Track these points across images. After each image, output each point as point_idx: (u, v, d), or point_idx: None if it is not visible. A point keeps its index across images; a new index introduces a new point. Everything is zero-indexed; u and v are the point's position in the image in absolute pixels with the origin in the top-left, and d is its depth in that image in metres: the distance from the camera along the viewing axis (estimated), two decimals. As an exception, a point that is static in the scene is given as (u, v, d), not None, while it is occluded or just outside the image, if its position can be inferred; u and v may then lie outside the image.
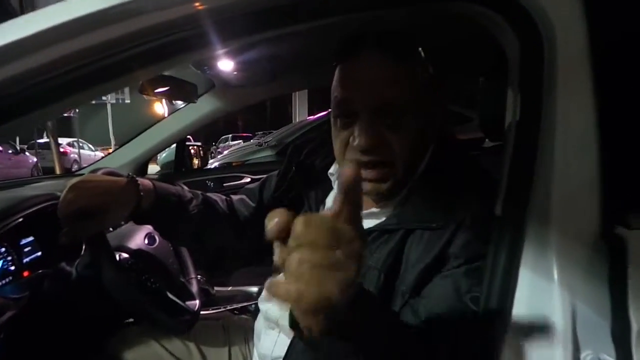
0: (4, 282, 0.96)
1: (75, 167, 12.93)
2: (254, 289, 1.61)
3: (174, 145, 2.08)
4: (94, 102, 17.44)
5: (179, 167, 2.18)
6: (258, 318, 0.94)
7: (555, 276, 0.58)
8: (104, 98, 16.96)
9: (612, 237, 0.57)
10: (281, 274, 0.39)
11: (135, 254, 1.10)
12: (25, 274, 1.01)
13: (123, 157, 1.87)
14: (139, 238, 1.15)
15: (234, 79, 1.71)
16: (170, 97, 1.76)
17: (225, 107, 1.88)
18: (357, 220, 0.40)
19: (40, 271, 1.03)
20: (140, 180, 0.85)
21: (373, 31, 0.72)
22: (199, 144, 2.66)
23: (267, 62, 1.57)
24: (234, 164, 4.74)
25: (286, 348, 0.77)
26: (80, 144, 15.36)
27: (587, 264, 0.57)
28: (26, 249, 1.05)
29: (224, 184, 2.18)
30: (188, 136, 2.24)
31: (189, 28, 0.58)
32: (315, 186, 0.91)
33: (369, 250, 0.72)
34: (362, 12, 0.67)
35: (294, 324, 0.40)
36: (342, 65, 0.75)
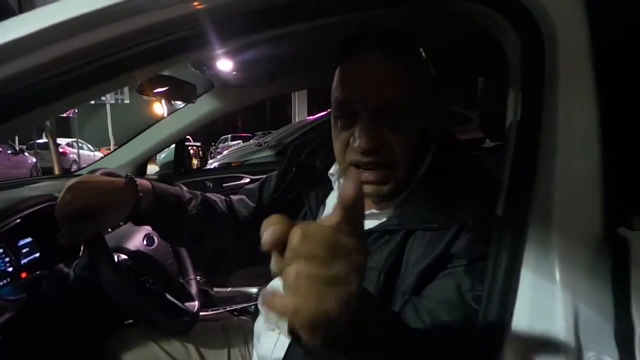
0: (1, 283, 0.96)
1: (74, 167, 12.91)
2: (254, 289, 1.61)
3: (173, 145, 2.07)
4: (93, 102, 17.44)
5: (178, 168, 2.18)
6: (258, 319, 0.94)
7: (557, 277, 0.57)
8: (103, 98, 16.94)
9: (615, 238, 0.56)
10: (279, 281, 0.36)
11: (134, 255, 1.09)
12: (23, 275, 1.00)
13: (122, 158, 1.87)
14: (137, 239, 1.15)
15: (233, 79, 1.71)
16: (169, 97, 1.76)
17: (225, 107, 1.88)
18: (358, 231, 0.37)
19: (38, 272, 1.02)
20: (138, 180, 0.85)
21: (373, 31, 0.72)
22: (198, 144, 2.66)
23: (266, 62, 1.57)
24: (233, 164, 4.73)
25: (286, 349, 0.76)
26: (80, 145, 15.36)
27: (590, 265, 0.57)
28: (24, 250, 1.05)
29: (224, 185, 2.18)
30: (187, 136, 2.24)
31: (188, 27, 0.58)
32: (316, 187, 0.90)
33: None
34: (362, 12, 0.67)
35: (292, 331, 0.38)
36: (342, 65, 0.74)
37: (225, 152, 8.36)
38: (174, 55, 0.62)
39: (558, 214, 0.59)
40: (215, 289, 1.57)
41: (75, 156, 14.52)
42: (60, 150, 12.26)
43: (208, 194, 1.01)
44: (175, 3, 0.56)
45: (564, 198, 0.59)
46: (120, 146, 1.97)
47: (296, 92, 11.64)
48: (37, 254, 1.08)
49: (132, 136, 1.92)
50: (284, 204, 0.97)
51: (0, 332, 0.87)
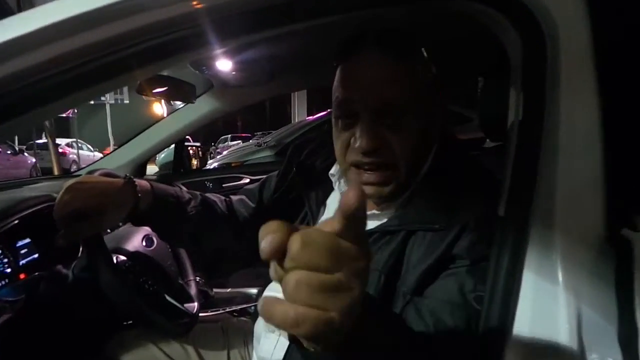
0: (-1, 284, 0.95)
1: (74, 167, 12.91)
2: (254, 290, 1.61)
3: (173, 145, 2.07)
4: (92, 102, 17.40)
5: (177, 168, 2.18)
6: (258, 320, 0.93)
7: (560, 278, 0.56)
8: (102, 98, 16.92)
9: (618, 239, 0.56)
10: (278, 286, 0.35)
11: (133, 256, 1.09)
12: (22, 276, 1.00)
13: (121, 158, 1.87)
14: (136, 240, 1.14)
15: (232, 79, 1.70)
16: (168, 97, 1.75)
17: (224, 107, 1.88)
18: (360, 236, 0.36)
19: (36, 273, 1.01)
20: (137, 181, 0.85)
21: (373, 30, 0.71)
22: (197, 144, 2.65)
23: (265, 62, 1.57)
24: (233, 165, 4.73)
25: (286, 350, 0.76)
26: (79, 145, 15.35)
27: (592, 266, 0.56)
28: (22, 251, 1.04)
29: (223, 185, 2.18)
30: (187, 137, 2.23)
31: (187, 27, 0.58)
32: (316, 187, 0.90)
33: None
34: (361, 11, 0.66)
35: (292, 337, 0.36)
36: (342, 65, 0.74)
37: (224, 153, 8.36)
38: (173, 54, 0.62)
39: (560, 214, 0.59)
40: (214, 290, 1.57)
41: (74, 156, 14.52)
42: (60, 150, 12.26)
43: (208, 195, 1.01)
44: (174, 2, 0.55)
45: (566, 198, 0.59)
46: (119, 146, 1.96)
47: (296, 92, 11.64)
48: (36, 255, 1.07)
49: (131, 136, 1.92)
50: (284, 204, 0.96)
51: (-2, 334, 0.87)
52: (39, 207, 1.08)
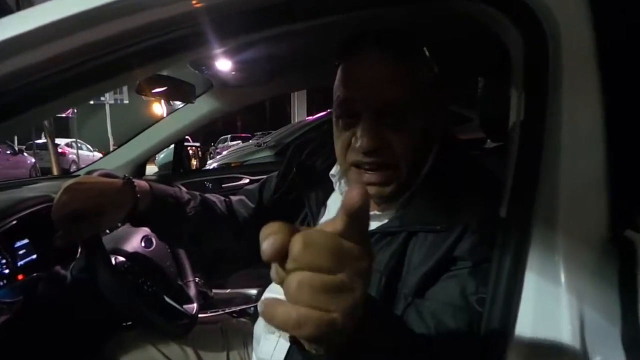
0: (-3, 285, 0.95)
1: (73, 167, 12.90)
2: (253, 291, 1.60)
3: (172, 146, 2.06)
4: (92, 102, 17.40)
5: (177, 168, 2.17)
6: (257, 321, 0.93)
7: (563, 280, 0.56)
8: (102, 98, 16.92)
9: (621, 240, 0.55)
10: (278, 287, 0.35)
11: (132, 256, 1.09)
12: (20, 277, 0.99)
13: (121, 158, 1.86)
14: (135, 241, 1.14)
15: (232, 79, 1.70)
16: (168, 97, 1.75)
17: (224, 107, 1.87)
18: (362, 236, 0.35)
19: (34, 274, 1.01)
20: (136, 181, 0.84)
21: (373, 30, 0.71)
22: (197, 144, 2.64)
23: (265, 61, 1.56)
24: (232, 165, 4.72)
25: (286, 353, 0.75)
26: (79, 145, 15.34)
27: (596, 268, 0.56)
28: (21, 252, 1.04)
29: (223, 185, 2.17)
30: (187, 137, 2.23)
31: (187, 26, 0.57)
32: (316, 188, 0.89)
33: None
34: (362, 11, 0.66)
35: (294, 338, 0.36)
36: (343, 64, 0.74)
37: (224, 153, 8.35)
38: (173, 54, 0.62)
39: (563, 215, 0.58)
40: (214, 291, 1.56)
41: (74, 156, 14.51)
42: (59, 150, 12.26)
43: (207, 195, 1.00)
44: (174, 1, 0.55)
45: (568, 199, 0.58)
46: (119, 146, 1.96)
47: (295, 92, 11.63)
48: (34, 256, 1.07)
49: (131, 136, 1.91)
50: (284, 205, 0.96)
51: (-4, 336, 0.86)
52: (37, 207, 1.07)
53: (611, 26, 0.60)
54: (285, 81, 1.87)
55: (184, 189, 0.96)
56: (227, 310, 1.45)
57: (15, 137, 13.50)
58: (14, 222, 1.01)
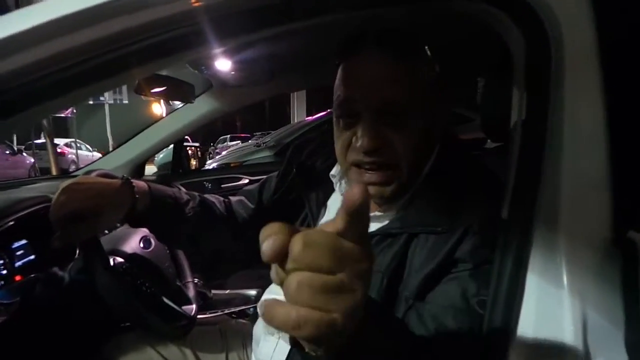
0: (-5, 286, 0.94)
1: (72, 167, 12.89)
2: (253, 292, 1.59)
3: (172, 146, 2.06)
4: (91, 102, 17.40)
5: (176, 168, 2.16)
6: (257, 322, 0.92)
7: (565, 282, 0.55)
8: (101, 98, 16.90)
9: (624, 241, 0.55)
10: (278, 288, 0.35)
11: (130, 257, 1.08)
12: (17, 278, 0.99)
13: (119, 158, 1.86)
14: (134, 241, 1.13)
15: (231, 79, 1.69)
16: (167, 97, 1.74)
17: (223, 107, 1.86)
18: (362, 236, 0.35)
19: (32, 275, 1.00)
20: (135, 182, 0.84)
21: (373, 29, 0.71)
22: (197, 144, 2.64)
23: (265, 61, 1.56)
24: (232, 165, 4.71)
25: (286, 355, 0.75)
26: (78, 145, 15.32)
27: (598, 269, 0.55)
28: (18, 253, 1.03)
29: (222, 185, 2.17)
30: (186, 137, 2.22)
31: (187, 24, 0.57)
32: (317, 188, 0.89)
33: None
34: (362, 11, 0.65)
35: (294, 340, 0.36)
36: (343, 64, 0.74)
37: (223, 153, 8.34)
38: (173, 52, 0.61)
39: (565, 216, 0.58)
40: (213, 291, 1.56)
41: (73, 156, 14.50)
42: (59, 150, 12.25)
43: (206, 195, 1.00)
44: (173, 0, 0.54)
45: (571, 200, 0.58)
46: (117, 146, 1.95)
47: (295, 93, 11.61)
48: (32, 257, 1.06)
49: (130, 136, 1.91)
50: (284, 205, 0.95)
51: (-7, 337, 0.86)
52: (35, 208, 1.07)
53: (613, 25, 0.60)
54: (284, 81, 1.86)
55: (183, 189, 0.96)
56: (226, 311, 1.44)
57: (15, 137, 13.49)
58: (12, 222, 1.00)
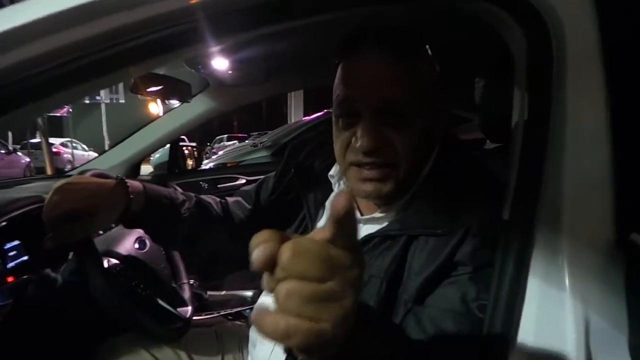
0: (-14, 288, 0.92)
1: (68, 167, 12.83)
2: (249, 293, 1.58)
3: (168, 145, 2.04)
4: (87, 101, 17.35)
5: (172, 168, 2.15)
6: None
7: (567, 284, 0.55)
8: (97, 97, 16.88)
9: (627, 243, 0.54)
10: (271, 296, 0.34)
11: (125, 259, 1.06)
12: (10, 279, 0.97)
13: (115, 158, 1.84)
14: (128, 242, 1.12)
15: (229, 78, 1.68)
16: (163, 96, 1.73)
17: (220, 106, 1.85)
18: (352, 243, 0.35)
19: (25, 277, 0.98)
20: (129, 182, 0.83)
21: (373, 28, 0.70)
22: (193, 144, 2.62)
23: (262, 61, 1.55)
24: (228, 165, 4.70)
25: (283, 358, 0.73)
26: (74, 144, 15.26)
27: (601, 272, 0.54)
28: (11, 254, 1.01)
29: (219, 185, 2.16)
30: (183, 136, 2.21)
31: (185, 22, 0.56)
32: (315, 188, 0.88)
33: (370, 257, 0.69)
34: (360, 8, 0.64)
35: (288, 348, 0.36)
36: (343, 63, 0.73)
37: (220, 153, 8.32)
38: (172, 50, 0.60)
39: (567, 217, 0.57)
40: (209, 293, 1.54)
41: (69, 156, 14.44)
42: (54, 150, 12.21)
43: (203, 196, 0.99)
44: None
45: (573, 201, 0.57)
46: (113, 146, 1.93)
47: (292, 93, 11.62)
48: (25, 257, 1.04)
49: (125, 136, 1.89)
50: (282, 205, 0.94)
51: (-16, 340, 0.84)
52: (28, 208, 1.05)
53: (616, 25, 0.59)
54: (282, 81, 1.86)
55: (179, 189, 0.95)
56: (222, 313, 1.43)
57: (10, 137, 13.42)
58: (5, 223, 0.98)
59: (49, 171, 9.82)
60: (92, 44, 0.53)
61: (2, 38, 0.50)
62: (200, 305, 1.40)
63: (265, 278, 0.34)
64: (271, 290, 0.34)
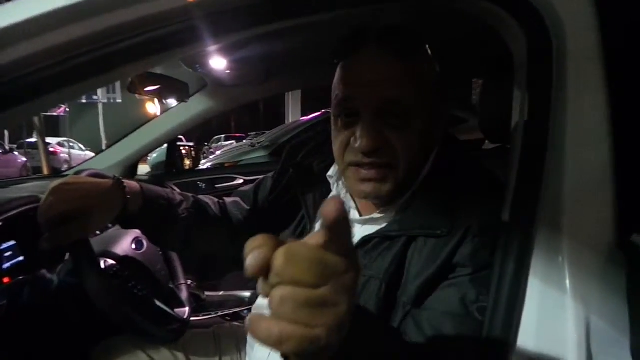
0: (-19, 289, 0.91)
1: (65, 167, 12.79)
2: (247, 293, 1.58)
3: (165, 145, 2.03)
4: (84, 101, 17.28)
5: (169, 168, 2.14)
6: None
7: (568, 286, 0.54)
8: (95, 97, 16.81)
9: (629, 244, 0.54)
10: (266, 301, 0.34)
11: (122, 260, 1.05)
12: (5, 280, 0.96)
13: (112, 158, 1.83)
14: (125, 243, 1.11)
15: (227, 78, 1.68)
16: (161, 96, 1.72)
17: (218, 106, 1.85)
18: (346, 248, 0.35)
19: (20, 278, 0.98)
20: (126, 182, 0.82)
21: (373, 27, 0.69)
22: (191, 144, 2.61)
23: (261, 61, 1.54)
24: (226, 165, 4.70)
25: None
26: (71, 144, 15.21)
27: (603, 273, 0.54)
28: (6, 254, 1.00)
29: (216, 185, 2.15)
30: (180, 136, 2.20)
31: (182, 21, 0.55)
32: (314, 189, 0.87)
33: (369, 258, 0.68)
34: (360, 8, 0.64)
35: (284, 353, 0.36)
36: (342, 63, 0.72)
37: (218, 153, 8.31)
38: (168, 49, 0.60)
39: (568, 218, 0.57)
40: (206, 293, 1.54)
41: (66, 156, 14.39)
42: (51, 149, 12.16)
43: (201, 196, 0.98)
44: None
45: (573, 201, 0.57)
46: (110, 146, 1.92)
47: (290, 93, 11.61)
48: (21, 258, 1.03)
49: (123, 135, 1.88)
50: (281, 206, 0.94)
51: (-21, 341, 0.83)
52: (24, 208, 1.04)
53: (617, 24, 0.59)
54: (280, 81, 1.85)
55: (176, 189, 0.94)
56: (219, 314, 1.42)
57: (7, 136, 13.37)
58: (0, 223, 0.97)
59: (45, 171, 9.76)
60: (88, 42, 0.53)
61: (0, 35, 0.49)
62: (198, 306, 1.40)
63: (260, 284, 0.34)
64: (266, 296, 0.33)
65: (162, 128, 1.86)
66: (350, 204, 0.80)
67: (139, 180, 0.88)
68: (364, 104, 0.67)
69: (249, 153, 5.71)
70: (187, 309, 1.12)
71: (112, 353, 0.98)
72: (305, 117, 7.85)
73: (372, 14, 0.77)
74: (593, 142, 0.57)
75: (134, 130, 1.87)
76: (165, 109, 2.01)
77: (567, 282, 0.54)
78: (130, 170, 1.86)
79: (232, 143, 14.55)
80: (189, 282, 1.26)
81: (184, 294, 1.17)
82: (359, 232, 0.74)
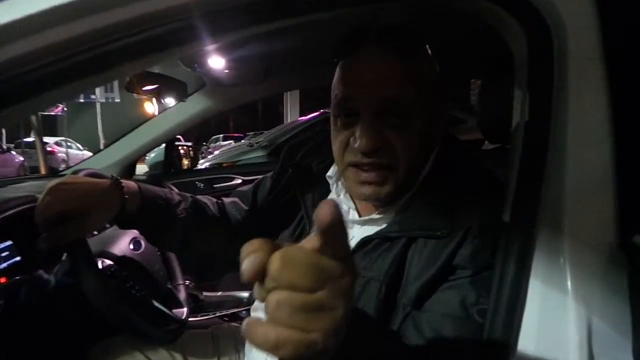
0: (-23, 289, 0.91)
1: (63, 166, 12.76)
2: (245, 294, 1.57)
3: (164, 145, 2.03)
4: (82, 100, 17.24)
5: (168, 168, 2.14)
6: (249, 327, 0.90)
7: (569, 288, 0.54)
8: (92, 96, 16.78)
9: (630, 245, 0.53)
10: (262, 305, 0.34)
11: (120, 260, 1.05)
12: (2, 280, 0.95)
13: (110, 157, 1.82)
14: (123, 243, 1.10)
15: (225, 78, 1.67)
16: (159, 95, 1.71)
17: (217, 106, 1.84)
18: (343, 252, 0.35)
19: (17, 278, 0.97)
20: (124, 182, 0.81)
21: (373, 26, 0.69)
22: (189, 144, 2.61)
23: (259, 60, 1.54)
24: (224, 165, 4.69)
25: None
26: (69, 144, 15.19)
27: (604, 275, 0.54)
28: (3, 254, 0.99)
29: (214, 185, 2.14)
30: (178, 136, 2.19)
31: (180, 19, 0.55)
32: (313, 189, 0.87)
33: (369, 259, 0.68)
34: (360, 7, 0.64)
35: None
36: (342, 62, 0.72)
37: (216, 152, 8.30)
38: (167, 48, 0.59)
39: (569, 219, 0.56)
40: (204, 293, 1.53)
41: (64, 155, 14.36)
42: (49, 149, 12.14)
43: (199, 196, 0.97)
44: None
45: (574, 202, 0.57)
46: (108, 145, 1.92)
47: (288, 93, 11.60)
48: (18, 258, 1.03)
49: (120, 135, 1.87)
50: (280, 206, 0.93)
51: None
52: (21, 208, 1.03)
53: (618, 24, 0.59)
54: (279, 81, 1.85)
55: (174, 189, 0.94)
56: (218, 314, 1.42)
57: (4, 136, 13.33)
58: (-5, 223, 0.97)
59: (43, 170, 9.74)
60: (87, 40, 0.52)
61: None
62: (196, 306, 1.39)
63: (256, 288, 0.33)
64: (262, 300, 0.33)
65: (160, 128, 1.85)
66: (350, 204, 0.79)
67: (137, 180, 0.87)
68: (363, 103, 0.67)
69: (247, 153, 5.71)
70: (185, 309, 1.12)
71: (109, 354, 0.98)
72: (303, 117, 7.85)
73: (372, 13, 0.76)
74: (594, 142, 0.57)
75: (132, 130, 1.86)
76: (163, 109, 2.01)
77: (569, 283, 0.54)
78: (128, 169, 1.85)
79: (231, 143, 14.54)
80: (187, 282, 1.26)
81: (182, 295, 1.17)
82: (359, 232, 0.73)
